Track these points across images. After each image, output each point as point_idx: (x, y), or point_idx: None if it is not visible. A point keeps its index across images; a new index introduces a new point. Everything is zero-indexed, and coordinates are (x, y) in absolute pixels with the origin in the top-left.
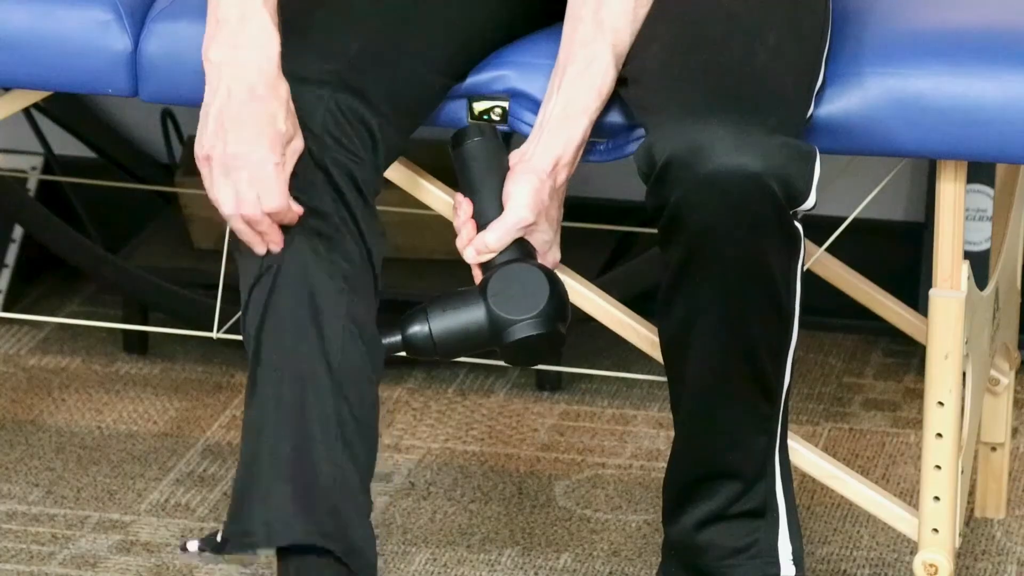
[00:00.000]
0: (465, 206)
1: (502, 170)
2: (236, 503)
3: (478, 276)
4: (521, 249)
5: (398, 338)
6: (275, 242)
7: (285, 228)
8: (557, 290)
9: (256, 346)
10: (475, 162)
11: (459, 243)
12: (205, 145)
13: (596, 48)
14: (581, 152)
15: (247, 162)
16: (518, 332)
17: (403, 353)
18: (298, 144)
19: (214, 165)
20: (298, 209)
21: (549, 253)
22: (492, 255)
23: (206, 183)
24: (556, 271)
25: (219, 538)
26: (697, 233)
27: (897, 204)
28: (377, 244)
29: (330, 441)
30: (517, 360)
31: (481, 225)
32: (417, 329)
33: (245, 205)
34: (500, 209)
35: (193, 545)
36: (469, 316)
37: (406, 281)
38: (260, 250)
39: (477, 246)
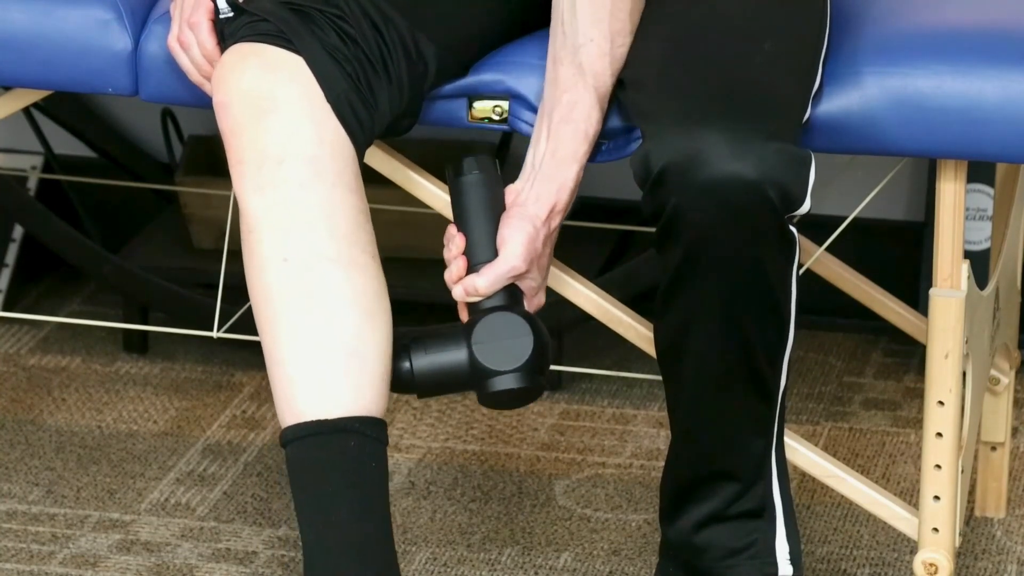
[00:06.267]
0: (458, 240)
1: (497, 208)
2: None
3: (463, 312)
4: (509, 294)
5: None
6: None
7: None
8: (541, 342)
9: None
10: (472, 196)
11: (448, 277)
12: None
13: (577, 93)
14: (574, 197)
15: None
16: (499, 384)
17: None
18: None
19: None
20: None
21: (535, 297)
22: (480, 299)
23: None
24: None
25: None
26: (694, 240)
27: (897, 204)
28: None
29: None
30: (494, 405)
31: (472, 262)
32: (398, 365)
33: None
34: (492, 249)
35: None
36: (451, 358)
37: (406, 281)
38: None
39: (467, 287)
